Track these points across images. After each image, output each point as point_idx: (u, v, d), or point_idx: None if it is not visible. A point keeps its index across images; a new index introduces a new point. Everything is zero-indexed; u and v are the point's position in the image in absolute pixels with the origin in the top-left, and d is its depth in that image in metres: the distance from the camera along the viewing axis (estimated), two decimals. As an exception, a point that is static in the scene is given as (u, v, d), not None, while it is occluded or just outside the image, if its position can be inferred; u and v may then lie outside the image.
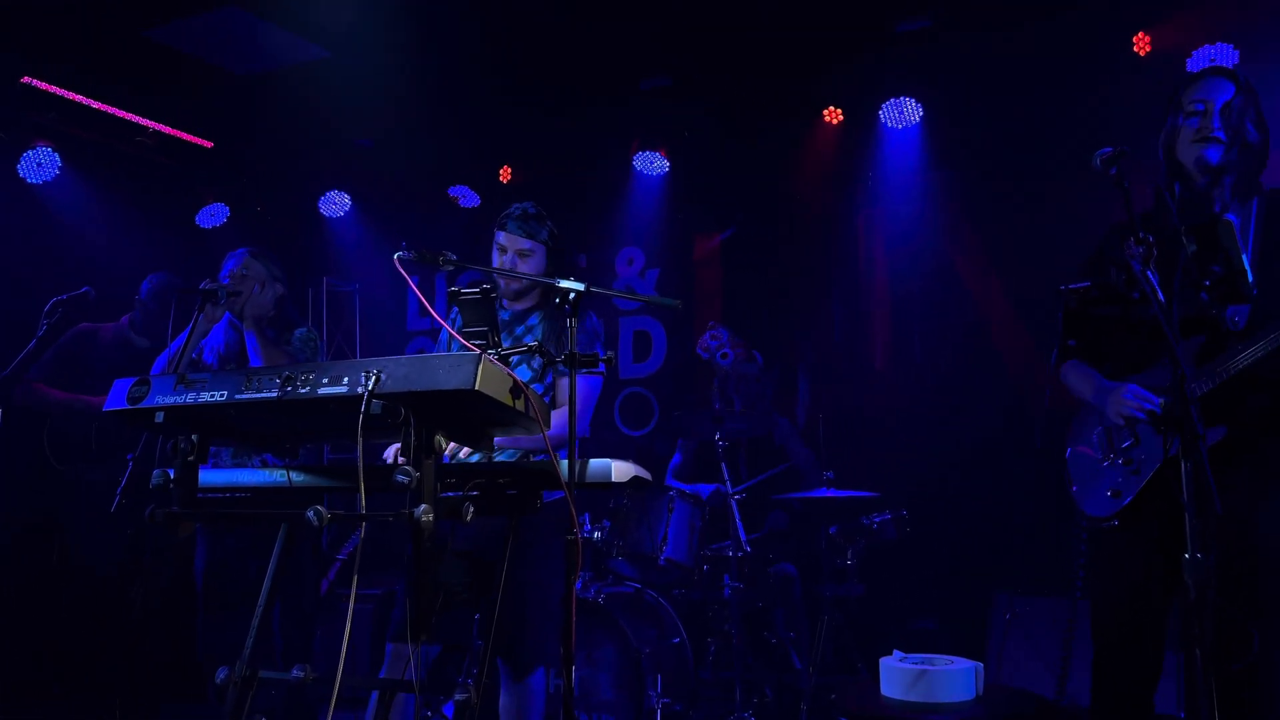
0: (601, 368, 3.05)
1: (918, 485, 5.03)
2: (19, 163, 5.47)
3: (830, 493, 4.45)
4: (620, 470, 2.31)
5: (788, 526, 5.01)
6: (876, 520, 4.67)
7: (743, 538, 4.44)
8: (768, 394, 5.27)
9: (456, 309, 2.50)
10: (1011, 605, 4.55)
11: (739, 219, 6.14)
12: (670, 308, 2.56)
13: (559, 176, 6.29)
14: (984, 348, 5.34)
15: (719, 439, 4.59)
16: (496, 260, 3.21)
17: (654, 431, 6.27)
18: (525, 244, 3.18)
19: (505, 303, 3.28)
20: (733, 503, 4.48)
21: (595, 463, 2.31)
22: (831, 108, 5.52)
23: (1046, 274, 2.98)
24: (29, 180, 5.50)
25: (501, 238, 3.21)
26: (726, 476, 4.54)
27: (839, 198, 5.76)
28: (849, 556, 4.63)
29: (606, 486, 2.33)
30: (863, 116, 5.45)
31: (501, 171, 6.43)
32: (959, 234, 5.44)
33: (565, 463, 2.26)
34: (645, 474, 2.42)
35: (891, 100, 5.32)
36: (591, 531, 4.37)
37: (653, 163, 6.00)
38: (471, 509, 2.14)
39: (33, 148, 5.48)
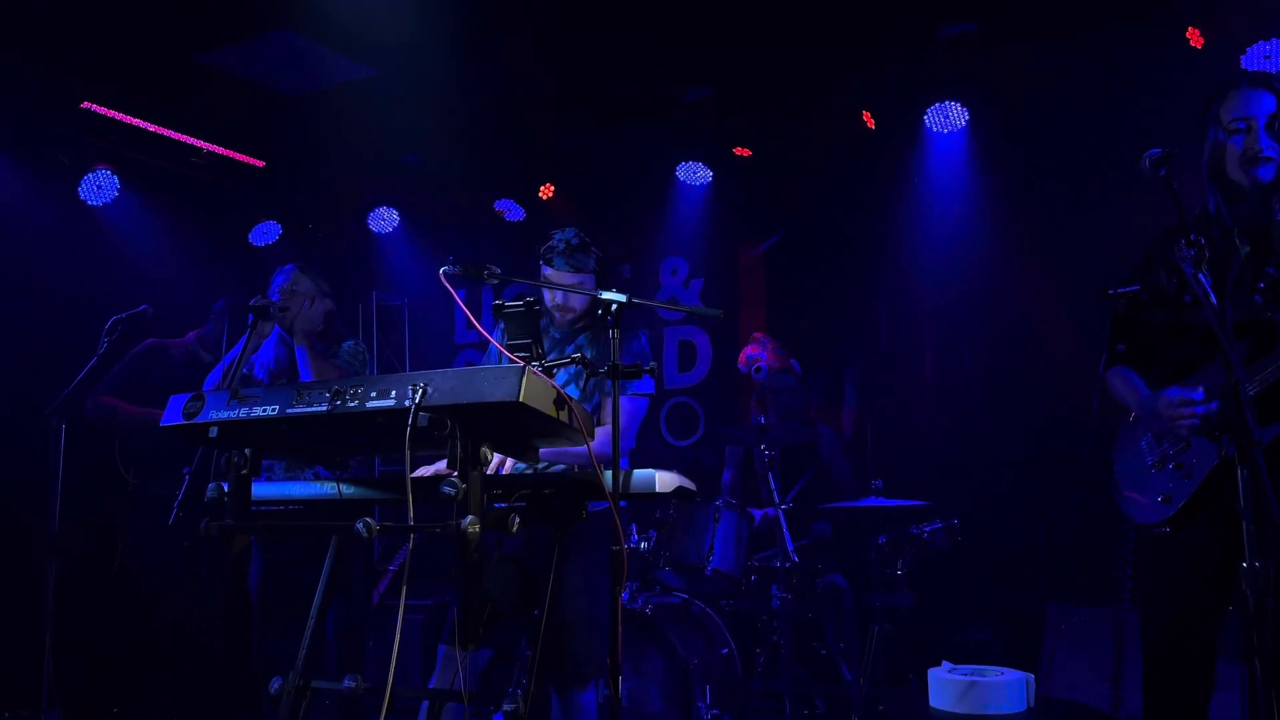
0: (648, 385, 3.08)
1: (968, 493, 4.97)
2: (80, 185, 5.64)
3: (879, 502, 4.42)
4: (664, 481, 2.32)
5: (832, 536, 4.98)
6: (926, 529, 4.62)
7: (790, 548, 4.42)
8: (813, 403, 5.25)
9: (501, 321, 2.53)
10: (1064, 615, 4.47)
11: (783, 227, 6.13)
12: (713, 318, 2.56)
13: (603, 188, 6.33)
14: (1034, 354, 5.26)
15: (763, 449, 4.58)
16: (546, 295, 3.19)
17: (700, 442, 6.27)
18: (573, 278, 3.13)
19: (557, 321, 3.30)
20: (779, 513, 4.46)
21: (639, 473, 2.33)
22: (875, 113, 5.50)
23: (1096, 278, 2.93)
24: (90, 203, 5.67)
25: (549, 272, 3.17)
26: (775, 487, 4.53)
27: (884, 204, 5.72)
28: (899, 566, 4.59)
29: (651, 497, 2.34)
30: (907, 121, 5.41)
31: (543, 189, 6.48)
32: (1006, 238, 5.38)
33: (609, 474, 2.27)
34: (690, 485, 2.43)
35: (936, 105, 5.28)
36: (638, 542, 4.38)
37: (696, 173, 6.01)
38: (517, 520, 2.16)
39: (93, 171, 5.63)
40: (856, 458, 5.13)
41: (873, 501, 4.43)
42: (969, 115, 5.27)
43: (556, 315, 3.23)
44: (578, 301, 3.17)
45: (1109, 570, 4.16)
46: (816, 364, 5.36)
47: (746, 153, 5.85)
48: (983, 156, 5.36)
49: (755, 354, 5.14)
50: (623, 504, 2.42)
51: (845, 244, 5.85)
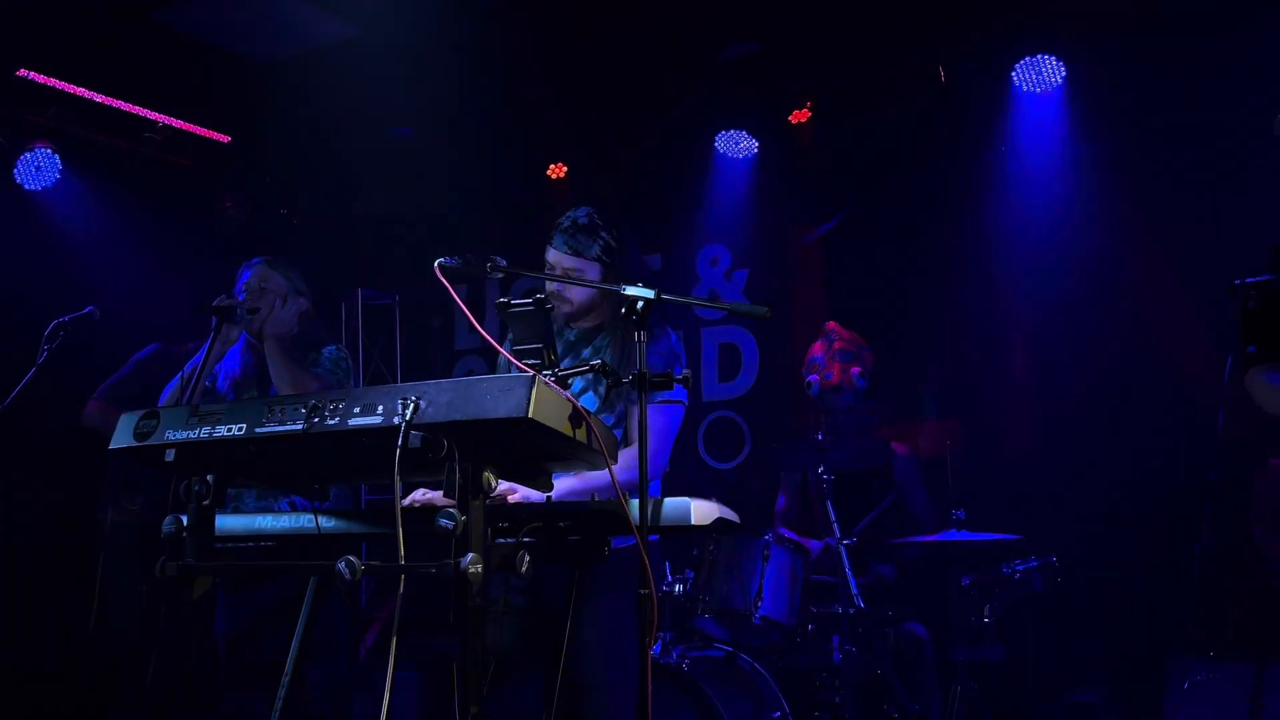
0: (680, 393, 3.08)
1: (1070, 526, 4.93)
2: (15, 166, 5.70)
3: (962, 536, 4.38)
4: (701, 511, 2.31)
5: (896, 578, 4.95)
6: (1019, 569, 4.59)
7: (854, 591, 4.41)
8: (882, 418, 5.22)
9: (507, 323, 2.54)
10: (1190, 671, 4.41)
11: (844, 207, 6.11)
12: (758, 318, 2.55)
13: (627, 163, 6.34)
14: (1150, 357, 5.20)
15: (823, 473, 4.57)
16: (546, 283, 3.22)
17: (745, 464, 6.26)
18: (570, 262, 3.14)
19: (569, 324, 3.31)
20: (842, 549, 4.44)
21: (672, 502, 2.33)
22: (953, 70, 5.47)
23: (1228, 267, 2.89)
24: (27, 186, 5.74)
25: (549, 254, 3.19)
26: (834, 518, 4.51)
27: (965, 179, 5.69)
28: (986, 613, 4.55)
29: (687, 530, 2.34)
30: (993, 80, 5.39)
31: (553, 167, 6.50)
32: (1115, 218, 5.32)
33: (636, 502, 2.27)
34: (732, 515, 2.42)
35: (1027, 59, 5.25)
36: (672, 584, 4.37)
37: (739, 144, 6.01)
38: (527, 559, 2.17)
39: (30, 149, 5.70)
40: (934, 483, 5.09)
41: (954, 535, 4.39)
42: (1065, 71, 5.23)
43: (558, 308, 3.23)
44: (577, 294, 3.18)
45: (1244, 617, 4.10)
46: (886, 372, 5.32)
47: (802, 117, 5.82)
48: (1084, 121, 5.31)
49: (816, 357, 5.10)
50: (653, 539, 2.41)
51: (919, 228, 5.82)
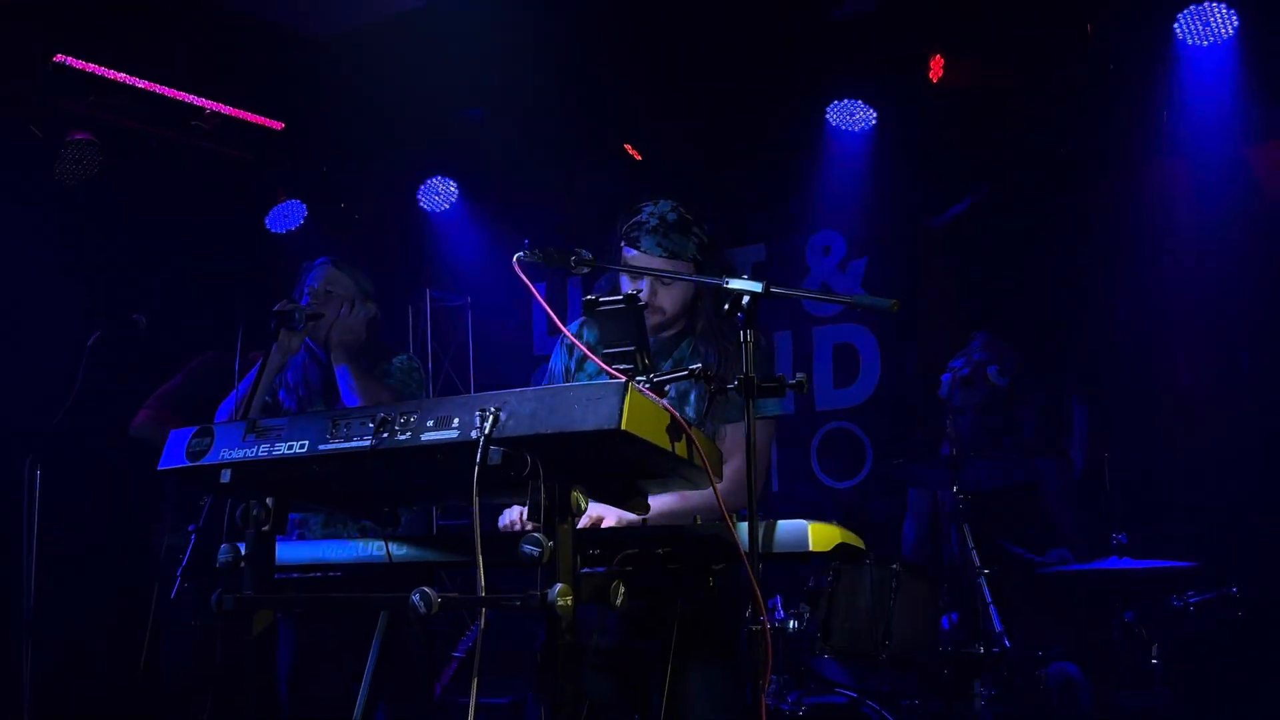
0: (787, 404, 3.07)
1: (1252, 551, 4.84)
2: (56, 160, 5.86)
3: (1124, 563, 4.31)
4: (820, 535, 2.30)
5: (1044, 608, 4.88)
6: (1193, 601, 4.49)
7: (998, 628, 4.35)
8: (1033, 427, 5.16)
9: (595, 323, 2.55)
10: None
11: (979, 186, 6.04)
12: (883, 311, 2.52)
13: (724, 140, 6.33)
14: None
15: (957, 493, 4.52)
16: (627, 286, 3.20)
17: (867, 482, 6.21)
18: (664, 266, 3.13)
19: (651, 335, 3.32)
20: (981, 580, 4.39)
21: (787, 525, 2.32)
22: (1103, 22, 5.37)
23: None
24: (68, 182, 5.91)
25: (632, 254, 3.19)
26: (970, 544, 4.47)
27: (1120, 149, 5.58)
28: (1153, 653, 4.46)
29: (804, 558, 2.33)
30: (1151, 32, 5.28)
31: (632, 150, 6.50)
32: (1300, 192, 5.20)
33: (744, 525, 2.27)
34: (856, 540, 2.40)
35: (1193, 7, 5.13)
36: (785, 619, 4.36)
37: (854, 115, 5.96)
38: (623, 590, 2.17)
39: (70, 142, 5.86)
40: (1088, 503, 5.01)
41: (1115, 563, 4.32)
42: (1238, 20, 5.11)
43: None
44: (669, 301, 3.17)
45: None
46: (1031, 376, 5.24)
47: (936, 75, 5.73)
48: (1261, 78, 5.18)
49: (957, 361, 5.06)
50: (764, 567, 2.40)
51: (1065, 208, 5.73)
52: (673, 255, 3.15)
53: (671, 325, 3.26)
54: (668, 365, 3.24)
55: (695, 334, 3.24)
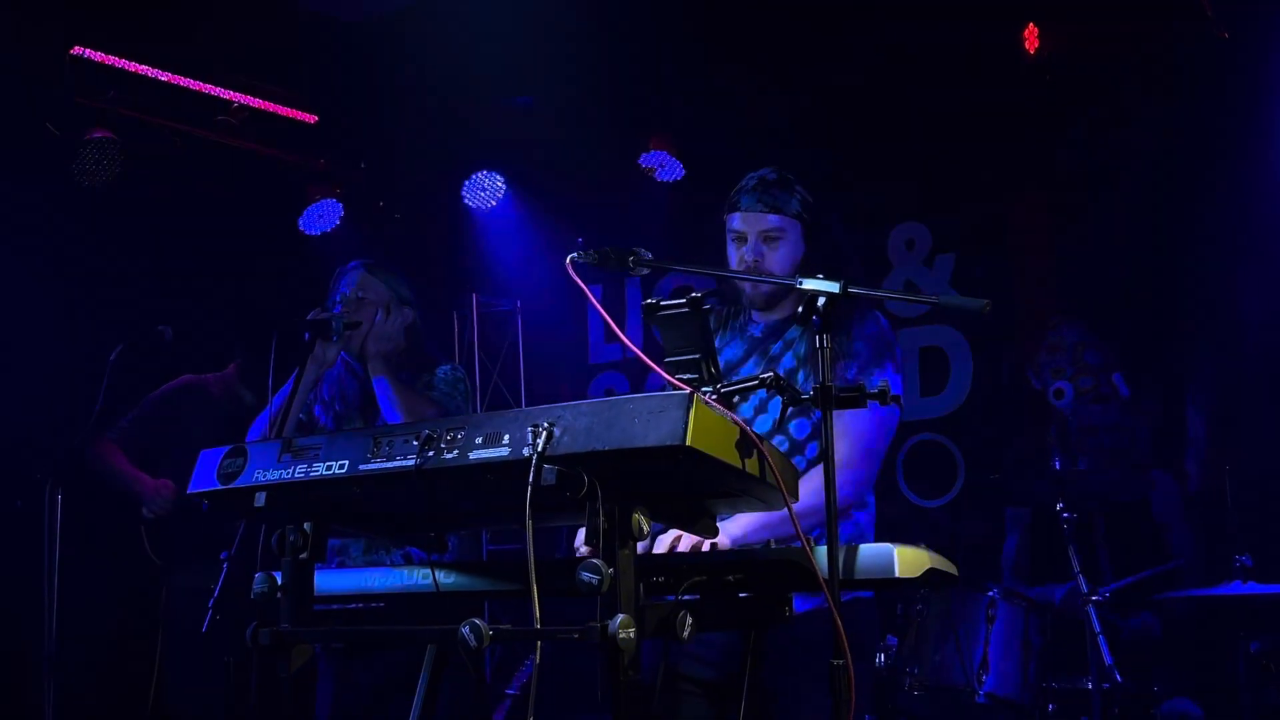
0: (892, 410, 3.06)
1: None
2: (74, 162, 5.92)
3: (1248, 588, 4.27)
4: (908, 559, 2.29)
5: (1161, 635, 4.82)
6: (1327, 631, 4.43)
7: (1108, 660, 4.32)
8: (1148, 437, 5.11)
9: (656, 329, 2.56)
10: None
11: (1080, 163, 5.97)
12: (975, 313, 2.51)
13: (800, 119, 6.29)
14: None
15: (1063, 510, 4.48)
16: (734, 258, 3.27)
17: (960, 500, 6.17)
18: (771, 221, 3.21)
19: (755, 315, 3.34)
20: (1090, 608, 4.36)
21: (870, 549, 2.31)
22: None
23: None
24: (86, 184, 5.98)
25: (736, 221, 3.27)
26: (1077, 568, 4.43)
27: (1243, 127, 5.51)
28: (1283, 689, 4.41)
29: (890, 584, 2.32)
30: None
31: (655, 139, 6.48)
32: None
33: (824, 549, 2.26)
34: (948, 565, 2.39)
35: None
36: (871, 653, 4.34)
37: (936, 90, 5.92)
38: (690, 621, 2.18)
39: (89, 141, 5.93)
40: (1207, 521, 4.95)
41: (1238, 588, 4.27)
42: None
43: (749, 290, 3.26)
44: (779, 263, 3.21)
45: None
46: (1142, 380, 5.19)
47: (1031, 46, 5.66)
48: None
49: (1053, 357, 5.01)
50: (847, 596, 2.40)
51: (1180, 192, 5.66)
52: (775, 209, 3.23)
53: (778, 301, 3.29)
54: (776, 348, 3.26)
55: (798, 322, 3.26)
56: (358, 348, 4.00)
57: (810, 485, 2.80)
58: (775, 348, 3.27)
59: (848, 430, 3.06)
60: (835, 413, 2.36)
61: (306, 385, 3.91)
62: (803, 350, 3.22)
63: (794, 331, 3.27)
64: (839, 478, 2.39)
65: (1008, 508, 5.28)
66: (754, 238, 3.23)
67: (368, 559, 3.91)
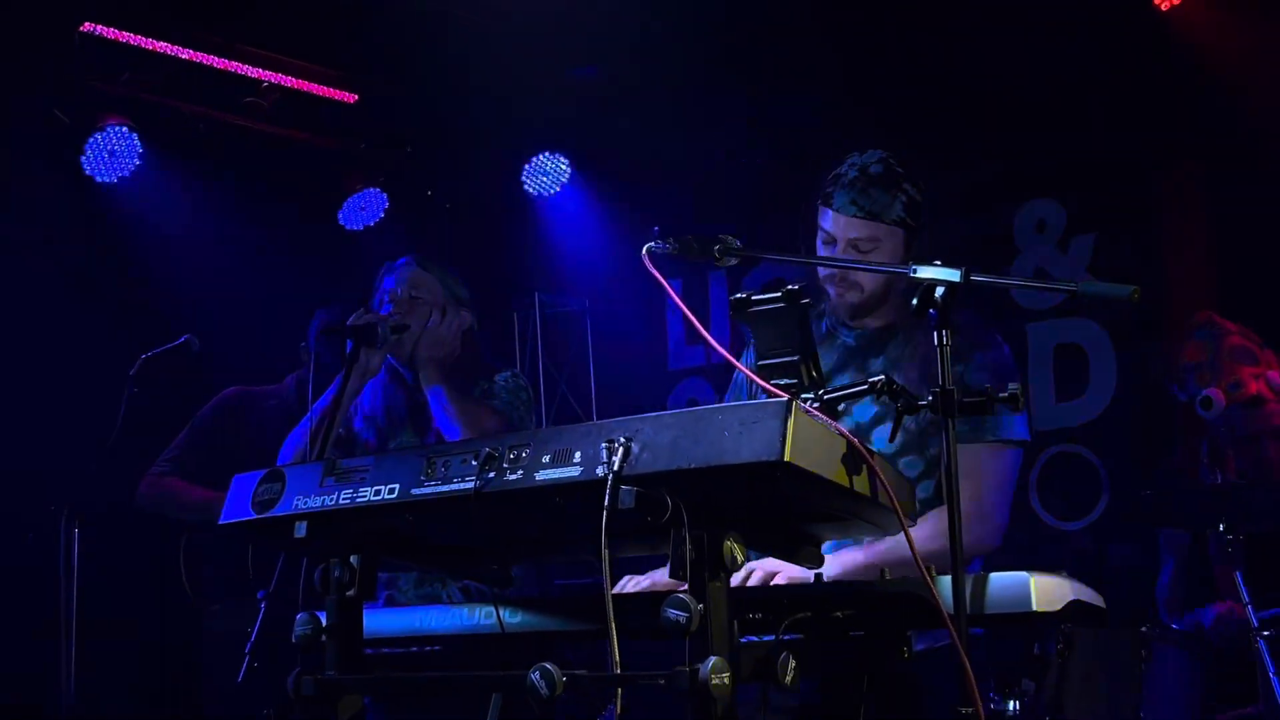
0: (1020, 428, 3.03)
1: None
2: (84, 153, 5.98)
3: None
4: (1047, 590, 2.26)
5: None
6: None
7: (1282, 702, 4.26)
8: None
9: (746, 328, 2.55)
10: None
11: (1240, 129, 5.89)
12: (1122, 301, 2.46)
13: (908, 82, 6.24)
14: None
15: (1225, 532, 4.42)
16: (823, 253, 3.23)
17: (1103, 521, 6.11)
18: (866, 229, 3.16)
19: (849, 323, 3.31)
20: (1261, 644, 4.29)
21: (1002, 579, 2.28)
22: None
23: None
24: (99, 179, 6.05)
25: (827, 220, 3.22)
26: (1246, 597, 4.37)
27: None
28: None
29: (1025, 619, 2.29)
30: None
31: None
32: None
33: (947, 580, 2.24)
34: (1092, 596, 2.36)
35: None
36: (1002, 701, 4.30)
37: (1064, 48, 5.86)
38: (794, 664, 2.16)
39: (101, 129, 5.98)
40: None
41: None
42: None
43: (834, 296, 3.23)
44: (869, 275, 3.18)
45: None
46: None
47: (1166, 3, 5.61)
48: None
49: (1196, 362, 4.95)
50: (975, 632, 2.37)
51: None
52: (871, 215, 3.16)
53: (876, 307, 3.26)
54: (879, 363, 3.23)
55: (908, 334, 3.24)
56: (407, 353, 4.01)
57: (926, 530, 2.79)
58: (877, 362, 3.23)
59: (979, 468, 3.05)
60: (960, 449, 2.33)
61: (349, 398, 3.93)
62: (904, 371, 3.11)
63: (898, 346, 3.24)
64: (970, 513, 2.36)
65: (1162, 530, 5.21)
66: (844, 243, 3.18)
67: (420, 592, 3.93)
